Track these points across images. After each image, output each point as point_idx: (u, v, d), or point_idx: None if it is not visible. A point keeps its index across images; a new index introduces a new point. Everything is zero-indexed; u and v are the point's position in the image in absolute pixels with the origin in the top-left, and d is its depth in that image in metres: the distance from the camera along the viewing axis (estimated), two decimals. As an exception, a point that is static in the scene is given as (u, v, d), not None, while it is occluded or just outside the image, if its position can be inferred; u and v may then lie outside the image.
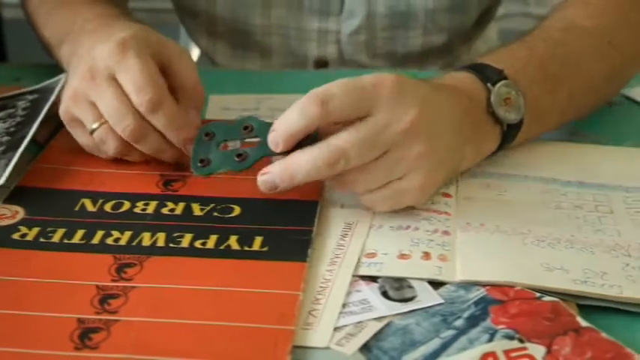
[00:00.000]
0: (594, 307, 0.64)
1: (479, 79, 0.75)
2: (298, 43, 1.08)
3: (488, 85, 0.74)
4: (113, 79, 0.74)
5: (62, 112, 0.78)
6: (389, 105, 0.66)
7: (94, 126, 0.75)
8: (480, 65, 0.76)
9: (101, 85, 0.74)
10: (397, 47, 1.09)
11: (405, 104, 0.66)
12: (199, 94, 0.78)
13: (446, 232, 0.70)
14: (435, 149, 0.68)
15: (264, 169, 0.68)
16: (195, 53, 1.25)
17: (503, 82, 0.74)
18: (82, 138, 0.78)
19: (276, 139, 0.67)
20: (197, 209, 0.73)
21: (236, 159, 0.70)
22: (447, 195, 0.75)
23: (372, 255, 0.67)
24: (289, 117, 0.67)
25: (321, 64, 1.10)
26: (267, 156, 0.69)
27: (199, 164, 0.72)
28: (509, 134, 0.76)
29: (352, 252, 0.67)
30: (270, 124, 0.69)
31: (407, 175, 0.68)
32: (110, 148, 0.76)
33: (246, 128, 0.71)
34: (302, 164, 0.66)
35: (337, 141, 0.65)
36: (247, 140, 0.71)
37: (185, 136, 0.74)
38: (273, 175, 0.68)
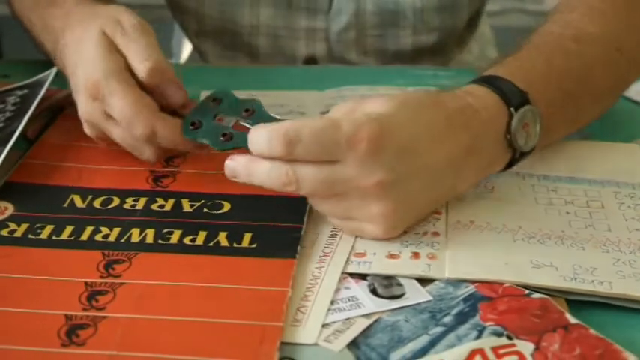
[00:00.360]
0: (584, 304, 0.63)
1: (502, 101, 0.70)
2: (286, 42, 1.08)
3: (512, 109, 0.70)
4: (108, 115, 0.74)
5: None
6: (358, 163, 0.63)
7: None
8: (504, 82, 0.71)
9: (107, 127, 0.75)
10: (388, 46, 1.08)
11: (374, 166, 0.63)
12: (161, 74, 0.74)
13: (435, 234, 0.69)
14: (402, 209, 0.66)
15: (233, 156, 0.67)
16: (187, 49, 1.25)
17: (526, 107, 0.70)
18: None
19: (251, 146, 0.66)
20: (187, 205, 0.73)
21: (221, 138, 0.70)
22: (437, 192, 0.75)
23: (362, 254, 0.67)
24: (258, 139, 0.65)
25: (310, 63, 1.10)
26: (246, 149, 0.68)
27: (190, 126, 0.72)
28: (519, 159, 0.72)
29: (341, 251, 0.67)
30: (269, 118, 0.69)
31: (364, 223, 0.67)
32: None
33: (247, 110, 0.71)
34: (260, 172, 0.65)
35: (295, 170, 0.64)
36: (241, 123, 0.71)
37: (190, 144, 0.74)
38: (236, 165, 0.67)
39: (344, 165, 0.63)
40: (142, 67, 0.74)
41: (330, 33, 1.07)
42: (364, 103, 0.66)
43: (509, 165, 0.73)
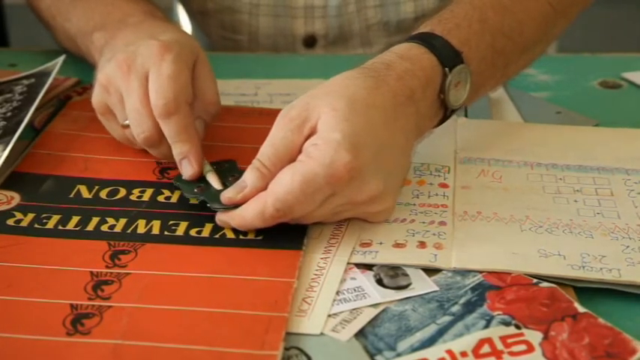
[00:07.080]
0: (593, 293, 0.63)
1: (437, 61, 0.72)
2: (285, 21, 1.08)
3: (446, 69, 0.72)
4: (145, 79, 0.73)
5: (95, 101, 0.77)
6: (346, 191, 0.65)
7: (126, 122, 0.75)
8: (440, 42, 0.73)
9: (133, 81, 0.73)
10: (389, 15, 1.08)
11: (361, 183, 0.65)
12: (212, 111, 0.77)
13: (442, 223, 0.69)
14: (392, 190, 0.69)
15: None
16: (188, 29, 1.25)
17: (459, 66, 0.72)
18: (114, 130, 0.78)
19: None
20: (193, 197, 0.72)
21: (195, 189, 0.71)
22: (444, 185, 0.74)
23: (368, 244, 0.67)
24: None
25: (310, 42, 1.09)
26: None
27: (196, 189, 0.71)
28: (449, 115, 0.75)
29: (347, 241, 0.67)
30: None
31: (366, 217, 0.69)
32: (140, 145, 0.76)
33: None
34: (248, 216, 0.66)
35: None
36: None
37: (183, 151, 0.72)
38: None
39: (335, 196, 0.65)
40: (214, 95, 0.77)
41: (327, 9, 1.07)
42: (314, 120, 0.66)
43: (442, 121, 0.75)
